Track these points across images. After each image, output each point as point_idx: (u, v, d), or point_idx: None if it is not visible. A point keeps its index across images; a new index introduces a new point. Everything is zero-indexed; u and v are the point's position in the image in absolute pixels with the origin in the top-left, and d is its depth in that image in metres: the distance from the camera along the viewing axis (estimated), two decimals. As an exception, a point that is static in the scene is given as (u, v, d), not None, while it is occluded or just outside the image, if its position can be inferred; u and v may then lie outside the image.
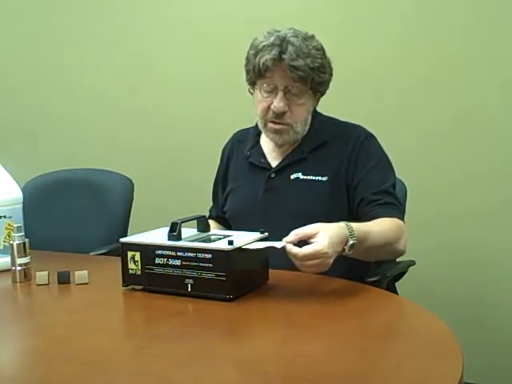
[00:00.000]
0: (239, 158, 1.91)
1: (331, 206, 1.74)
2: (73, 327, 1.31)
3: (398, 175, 1.83)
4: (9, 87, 3.37)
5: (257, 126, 1.86)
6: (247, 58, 1.77)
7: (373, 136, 1.81)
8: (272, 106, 1.72)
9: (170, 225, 1.47)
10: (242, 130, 1.99)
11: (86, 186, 2.45)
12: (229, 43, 2.73)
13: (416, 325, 1.24)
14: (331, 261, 1.40)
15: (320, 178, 1.75)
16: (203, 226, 1.56)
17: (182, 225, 1.47)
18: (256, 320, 1.32)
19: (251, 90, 1.81)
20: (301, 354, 1.11)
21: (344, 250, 1.45)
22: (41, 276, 1.61)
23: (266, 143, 1.86)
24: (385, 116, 2.52)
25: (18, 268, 1.64)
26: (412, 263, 1.94)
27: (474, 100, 2.42)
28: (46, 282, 1.61)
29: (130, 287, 1.50)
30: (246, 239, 1.44)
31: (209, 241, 1.44)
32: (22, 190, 1.89)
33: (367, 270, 1.74)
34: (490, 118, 2.41)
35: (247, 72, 1.78)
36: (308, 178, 1.76)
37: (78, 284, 1.59)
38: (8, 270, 1.68)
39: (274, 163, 1.82)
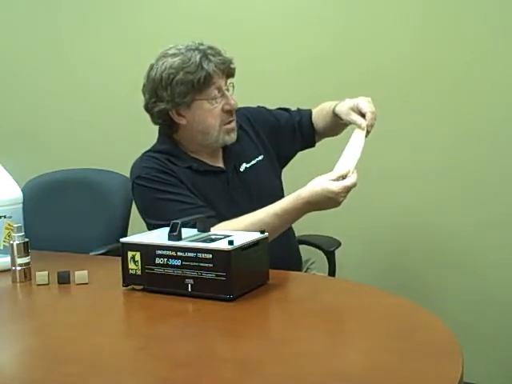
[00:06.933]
0: (185, 178, 1.79)
1: (277, 175, 1.95)
2: (73, 327, 1.30)
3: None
4: (9, 87, 3.37)
5: (163, 151, 1.82)
6: (178, 81, 1.74)
7: (245, 107, 1.95)
8: (228, 106, 1.79)
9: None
10: (151, 156, 1.83)
11: (86, 186, 2.46)
12: (230, 43, 2.72)
13: (416, 325, 1.24)
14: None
15: (259, 159, 1.87)
16: (203, 226, 1.56)
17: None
18: (256, 320, 1.32)
19: (180, 113, 1.78)
20: (301, 354, 1.11)
21: None
22: (41, 276, 1.61)
23: (198, 155, 1.84)
24: (384, 116, 2.52)
25: (18, 268, 1.64)
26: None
27: (474, 101, 2.43)
28: (46, 282, 1.61)
29: (130, 287, 1.50)
30: (246, 239, 1.44)
31: (209, 241, 1.44)
32: (22, 190, 1.89)
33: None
34: (490, 119, 2.42)
35: (181, 95, 1.74)
36: (251, 163, 1.87)
37: (77, 284, 1.59)
38: (8, 270, 1.68)
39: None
